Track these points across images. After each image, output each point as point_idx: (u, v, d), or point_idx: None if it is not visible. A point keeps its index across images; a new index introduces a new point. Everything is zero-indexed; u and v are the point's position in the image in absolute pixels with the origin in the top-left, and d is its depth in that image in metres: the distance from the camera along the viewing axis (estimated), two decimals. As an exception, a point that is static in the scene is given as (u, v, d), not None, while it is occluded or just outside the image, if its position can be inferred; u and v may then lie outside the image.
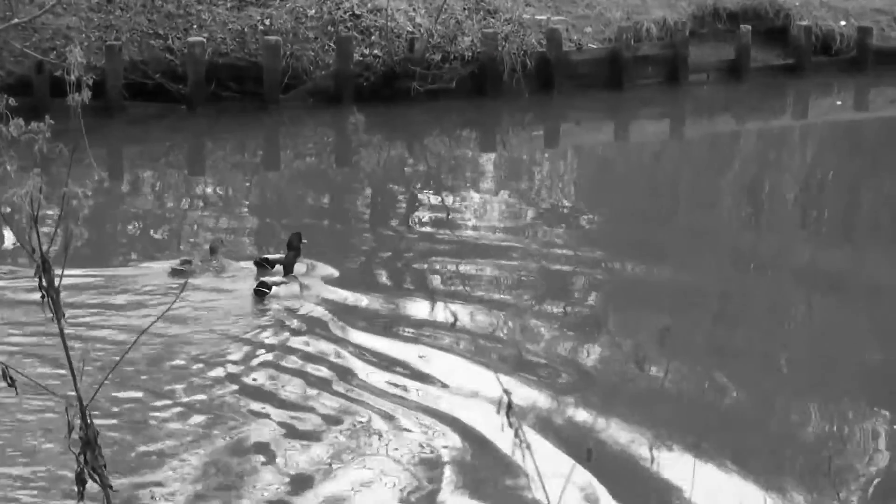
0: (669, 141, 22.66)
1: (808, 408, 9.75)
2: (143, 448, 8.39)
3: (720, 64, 24.86)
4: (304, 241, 12.16)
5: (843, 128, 23.95)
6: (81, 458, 3.75)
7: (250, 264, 12.34)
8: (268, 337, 10.66)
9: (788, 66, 25.24)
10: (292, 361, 10.07)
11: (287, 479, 8.03)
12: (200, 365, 9.95)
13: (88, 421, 3.73)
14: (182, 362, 9.96)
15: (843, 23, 25.85)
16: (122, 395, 9.23)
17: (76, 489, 3.80)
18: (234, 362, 10.05)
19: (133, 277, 12.09)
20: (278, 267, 11.96)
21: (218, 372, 9.84)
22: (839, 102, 25.86)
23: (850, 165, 20.45)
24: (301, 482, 7.98)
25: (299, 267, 12.07)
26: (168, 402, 9.23)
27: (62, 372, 7.55)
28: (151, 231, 15.20)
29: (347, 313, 11.25)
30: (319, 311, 11.25)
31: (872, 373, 10.47)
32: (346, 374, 9.80)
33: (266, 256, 12.28)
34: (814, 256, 14.21)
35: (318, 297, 11.65)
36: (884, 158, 20.71)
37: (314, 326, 10.90)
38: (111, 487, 3.81)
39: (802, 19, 25.39)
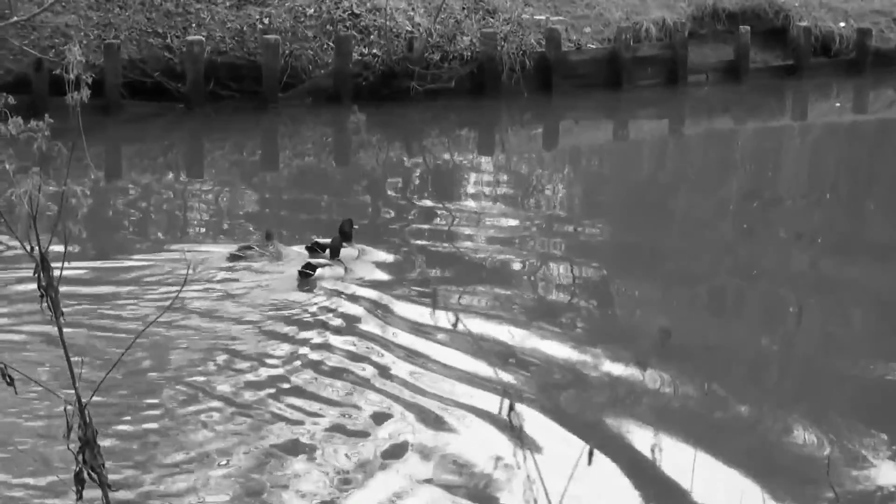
0: (668, 141, 22.64)
1: (806, 409, 9.74)
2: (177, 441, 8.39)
3: (719, 64, 24.86)
4: (355, 226, 12.58)
5: (843, 129, 23.93)
6: (80, 458, 3.74)
7: (303, 249, 12.55)
8: (306, 317, 10.84)
9: (787, 67, 25.24)
10: (326, 342, 10.19)
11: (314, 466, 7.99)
12: (239, 344, 10.08)
13: (87, 420, 3.72)
14: (222, 342, 10.09)
15: (842, 24, 25.85)
16: (155, 376, 9.33)
17: (75, 489, 3.78)
18: (273, 340, 10.19)
19: (194, 262, 12.27)
20: (328, 251, 12.30)
21: (254, 351, 9.96)
22: (838, 104, 25.86)
23: (848, 167, 20.44)
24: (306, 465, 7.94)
25: (350, 251, 12.35)
26: (199, 381, 9.29)
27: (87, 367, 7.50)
28: (155, 224, 15.19)
29: (389, 297, 11.34)
30: (362, 293, 11.44)
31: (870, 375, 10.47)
32: (370, 356, 9.87)
33: (318, 241, 12.49)
34: (811, 258, 14.21)
35: (363, 280, 11.87)
36: (882, 160, 20.70)
37: (353, 308, 11.05)
38: (110, 487, 3.80)
39: (802, 20, 25.38)
